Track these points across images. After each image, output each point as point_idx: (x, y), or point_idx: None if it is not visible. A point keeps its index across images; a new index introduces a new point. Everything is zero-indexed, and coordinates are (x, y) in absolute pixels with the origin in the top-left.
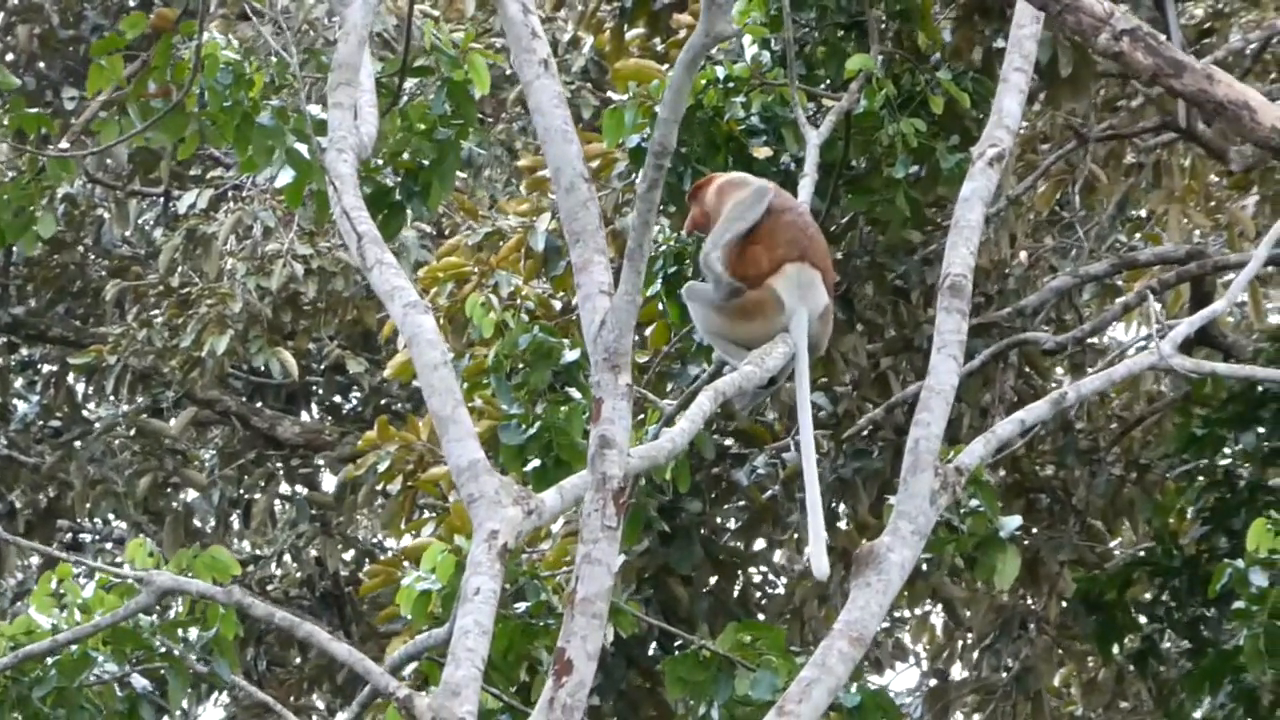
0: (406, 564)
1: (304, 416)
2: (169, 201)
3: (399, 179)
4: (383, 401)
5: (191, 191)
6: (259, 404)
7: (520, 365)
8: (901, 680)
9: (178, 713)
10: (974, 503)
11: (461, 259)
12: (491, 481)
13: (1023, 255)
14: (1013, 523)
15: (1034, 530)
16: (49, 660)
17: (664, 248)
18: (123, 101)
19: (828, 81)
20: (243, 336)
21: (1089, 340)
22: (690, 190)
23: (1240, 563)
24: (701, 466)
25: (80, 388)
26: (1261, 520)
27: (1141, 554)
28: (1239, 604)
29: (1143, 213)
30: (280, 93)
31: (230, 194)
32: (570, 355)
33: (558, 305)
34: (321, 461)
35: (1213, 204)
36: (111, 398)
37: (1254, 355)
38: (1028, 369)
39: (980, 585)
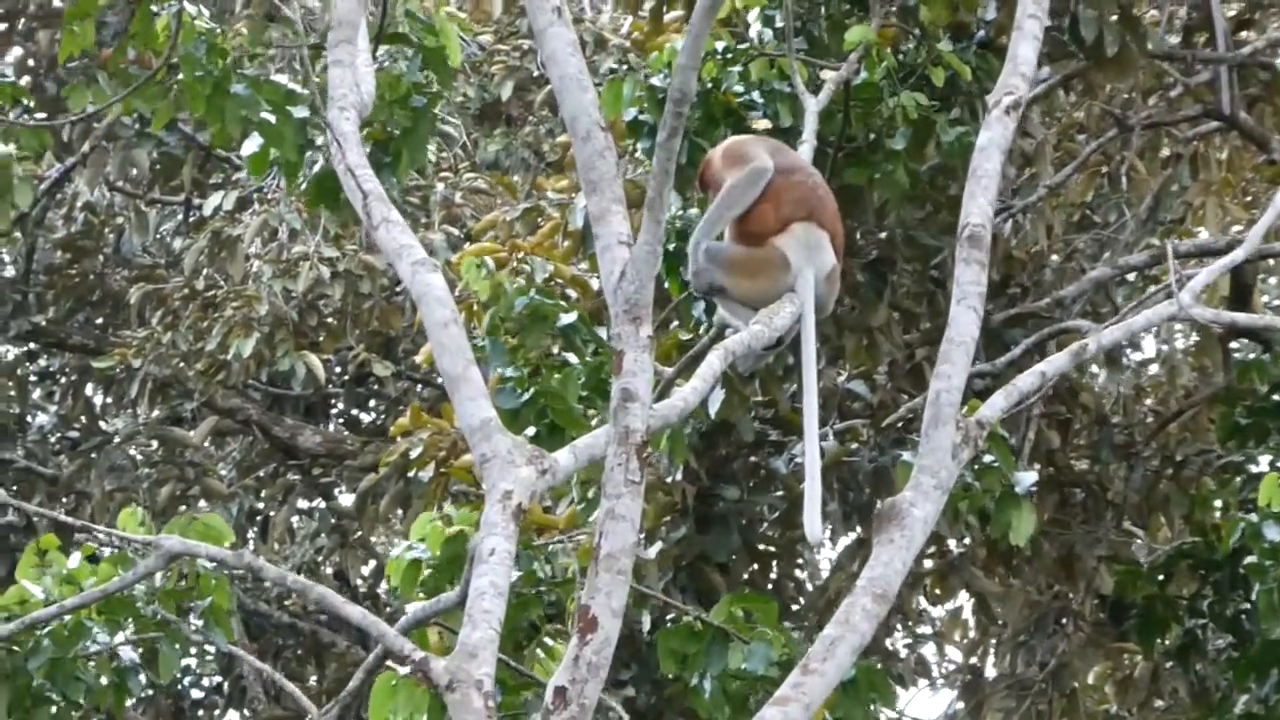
0: None
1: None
2: (190, 209)
3: (369, 148)
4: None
5: (217, 194)
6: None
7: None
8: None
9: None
10: (989, 458)
11: (494, 244)
12: (504, 441)
13: (1054, 258)
14: (1028, 478)
15: (1070, 526)
16: (41, 631)
17: (667, 225)
18: (103, 70)
19: (831, 59)
20: (269, 339)
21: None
22: (699, 178)
23: (1254, 517)
24: (739, 454)
25: (99, 399)
26: (1274, 475)
27: (1183, 547)
28: (1252, 559)
29: (1176, 216)
30: (255, 61)
31: (255, 196)
32: (567, 318)
33: (596, 285)
34: (340, 475)
35: (1249, 198)
36: (130, 409)
37: None
38: None
39: (1014, 581)
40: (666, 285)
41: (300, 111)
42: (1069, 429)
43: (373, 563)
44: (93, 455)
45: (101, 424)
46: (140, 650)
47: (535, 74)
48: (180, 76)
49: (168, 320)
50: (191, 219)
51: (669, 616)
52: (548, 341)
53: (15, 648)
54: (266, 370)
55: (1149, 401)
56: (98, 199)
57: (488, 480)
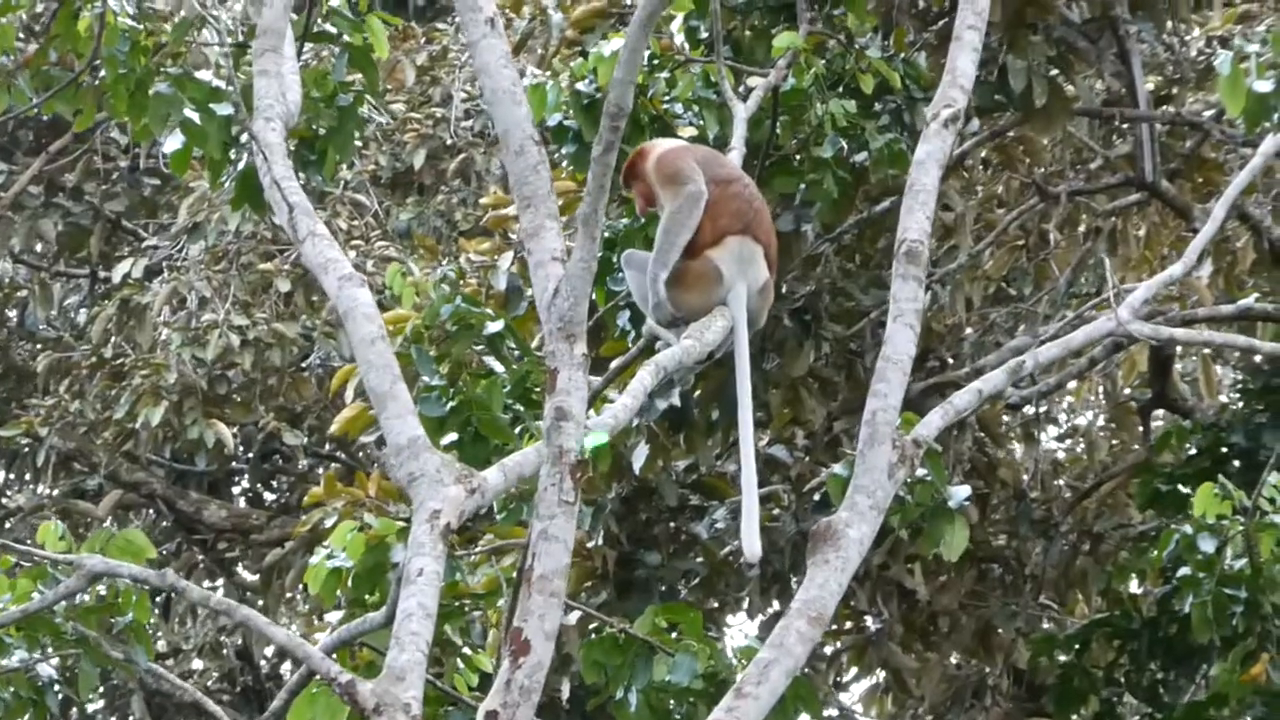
0: None
1: None
2: (96, 281)
3: (294, 145)
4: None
5: (125, 262)
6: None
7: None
8: None
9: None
10: (922, 472)
11: (410, 311)
12: (433, 460)
13: (969, 330)
14: (961, 493)
15: (987, 600)
16: None
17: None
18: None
19: (755, 65)
20: (177, 408)
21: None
22: (624, 170)
23: (1188, 529)
24: (660, 519)
25: (0, 474)
26: (1209, 485)
27: (1097, 616)
28: (1185, 570)
29: (1093, 290)
30: (178, 60)
31: (164, 265)
32: (493, 327)
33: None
34: (245, 551)
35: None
36: (31, 485)
37: (1214, 420)
38: (981, 433)
39: (932, 655)
40: (592, 296)
41: (224, 109)
42: (987, 504)
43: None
44: None
45: (3, 500)
46: (59, 668)
47: (448, 142)
48: (103, 74)
49: (75, 389)
50: (98, 290)
51: (592, 627)
52: (472, 350)
53: None
54: (171, 446)
55: (1066, 476)
56: (1, 271)
57: (415, 499)
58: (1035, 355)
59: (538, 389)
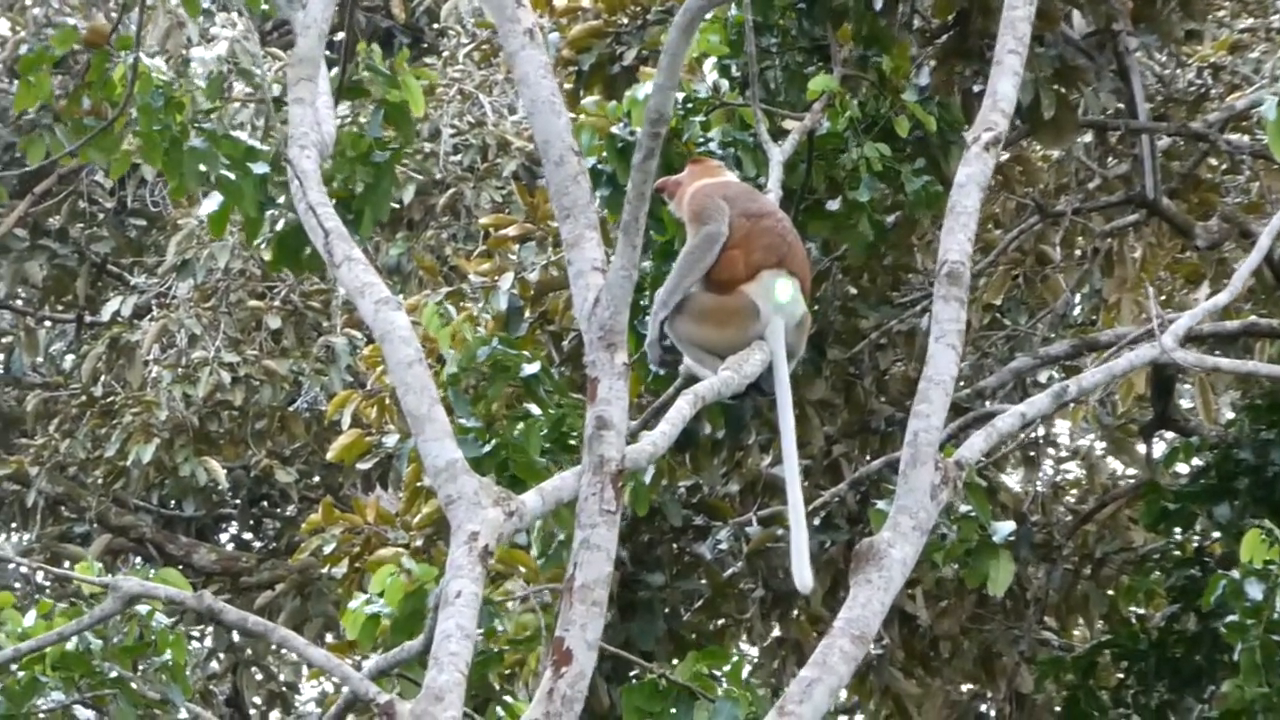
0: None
1: None
2: (82, 326)
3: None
4: (296, 539)
5: (115, 299)
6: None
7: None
8: None
9: None
10: (965, 508)
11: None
12: (470, 482)
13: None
14: (1006, 528)
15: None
16: None
17: None
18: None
19: (789, 107)
20: (168, 446)
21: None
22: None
23: (1235, 574)
24: (663, 540)
25: None
26: (1255, 531)
27: (1103, 639)
28: (1233, 618)
29: (1087, 318)
30: (213, 115)
31: (153, 302)
32: (530, 369)
33: None
34: (235, 595)
35: (1162, 298)
36: (20, 531)
37: (1222, 437)
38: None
39: (933, 681)
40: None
41: (260, 168)
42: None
43: (264, 692)
44: None
45: None
46: (94, 707)
47: (437, 177)
48: (138, 127)
49: (64, 429)
50: (85, 334)
51: (632, 674)
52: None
53: None
54: (159, 492)
55: (1066, 500)
56: None
57: (453, 521)
58: (1079, 381)
59: (574, 433)
